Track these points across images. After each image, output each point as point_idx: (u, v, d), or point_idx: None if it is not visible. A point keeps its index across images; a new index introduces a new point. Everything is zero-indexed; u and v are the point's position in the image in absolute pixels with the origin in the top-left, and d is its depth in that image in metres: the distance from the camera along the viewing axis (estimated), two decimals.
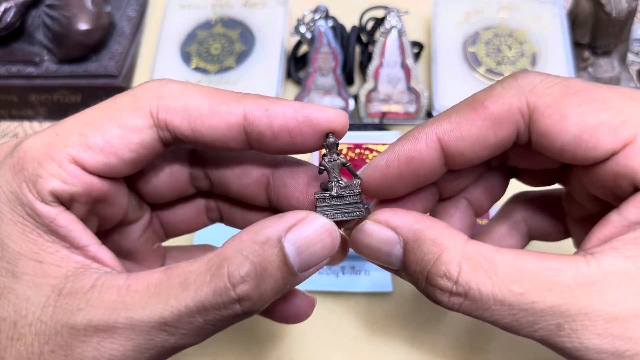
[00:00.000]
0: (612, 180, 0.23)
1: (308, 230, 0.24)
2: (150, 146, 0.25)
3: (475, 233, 0.34)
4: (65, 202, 0.24)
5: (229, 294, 0.22)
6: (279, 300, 0.31)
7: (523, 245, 0.34)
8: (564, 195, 0.31)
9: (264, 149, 0.26)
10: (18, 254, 0.23)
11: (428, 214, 0.31)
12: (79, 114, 0.25)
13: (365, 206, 0.26)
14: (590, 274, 0.22)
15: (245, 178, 0.29)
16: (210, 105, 0.25)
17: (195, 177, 0.30)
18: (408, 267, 0.25)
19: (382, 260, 0.26)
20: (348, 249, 0.29)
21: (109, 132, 0.24)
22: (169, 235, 0.33)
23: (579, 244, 0.31)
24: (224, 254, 0.23)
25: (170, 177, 0.29)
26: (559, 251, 0.23)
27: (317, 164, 0.28)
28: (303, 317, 0.32)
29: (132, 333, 0.22)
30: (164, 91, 0.25)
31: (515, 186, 0.33)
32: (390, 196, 0.28)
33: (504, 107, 0.24)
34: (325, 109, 0.25)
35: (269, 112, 0.25)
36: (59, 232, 0.24)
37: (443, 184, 0.30)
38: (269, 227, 0.24)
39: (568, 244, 0.33)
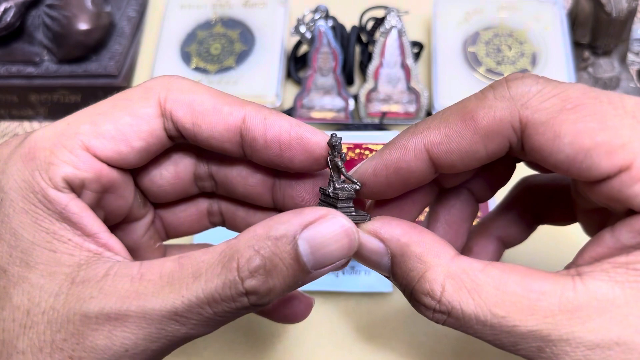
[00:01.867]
0: (606, 199, 0.23)
1: (325, 229, 0.23)
2: (158, 136, 0.26)
3: (481, 220, 0.34)
4: (77, 189, 0.24)
5: (238, 287, 0.22)
6: (277, 300, 0.31)
7: (530, 232, 0.33)
8: (572, 183, 0.31)
9: (255, 156, 0.27)
10: (32, 243, 0.23)
11: (428, 207, 0.31)
12: (91, 106, 0.26)
13: (352, 212, 0.26)
14: (576, 299, 0.21)
15: (252, 178, 0.29)
16: (214, 104, 0.26)
17: (199, 177, 0.30)
18: (395, 279, 0.25)
19: (373, 267, 0.26)
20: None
21: (120, 120, 0.25)
22: (170, 235, 0.33)
23: (587, 231, 0.30)
24: (236, 246, 0.23)
25: (175, 176, 0.29)
26: (566, 235, 0.22)
27: None
28: (300, 318, 0.32)
29: (144, 322, 0.22)
30: (173, 84, 0.26)
31: (521, 171, 0.31)
32: (380, 198, 0.28)
33: (495, 121, 0.23)
34: (318, 132, 0.26)
35: (266, 121, 0.26)
36: (71, 219, 0.24)
37: (442, 179, 0.29)
38: (284, 223, 0.23)
39: (576, 228, 0.31)
